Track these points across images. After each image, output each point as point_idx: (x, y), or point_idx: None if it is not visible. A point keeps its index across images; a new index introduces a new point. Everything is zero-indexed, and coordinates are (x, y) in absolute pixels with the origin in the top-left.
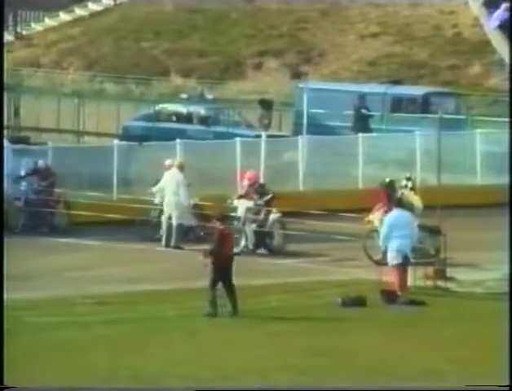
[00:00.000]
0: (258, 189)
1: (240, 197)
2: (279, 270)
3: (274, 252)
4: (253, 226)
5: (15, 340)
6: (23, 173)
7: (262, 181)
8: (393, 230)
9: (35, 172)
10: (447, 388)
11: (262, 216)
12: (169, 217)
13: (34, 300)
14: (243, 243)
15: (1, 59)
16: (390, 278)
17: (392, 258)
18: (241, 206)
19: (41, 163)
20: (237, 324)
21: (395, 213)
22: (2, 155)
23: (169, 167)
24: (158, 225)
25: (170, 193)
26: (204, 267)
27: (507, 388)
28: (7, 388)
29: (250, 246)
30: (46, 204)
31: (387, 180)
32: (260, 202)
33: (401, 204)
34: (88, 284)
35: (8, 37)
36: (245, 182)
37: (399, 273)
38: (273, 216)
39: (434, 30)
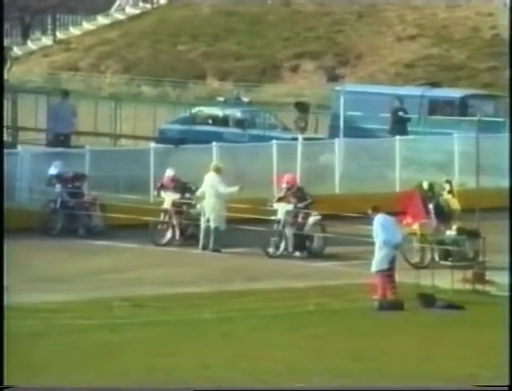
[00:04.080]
0: (296, 193)
1: (279, 200)
2: (316, 273)
3: (314, 255)
4: (293, 228)
5: (49, 343)
6: (56, 175)
7: (299, 184)
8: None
9: (65, 174)
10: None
11: (301, 219)
12: (208, 220)
13: (70, 302)
14: (283, 246)
15: (1, 59)
16: (376, 284)
17: (378, 264)
18: (281, 209)
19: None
20: (275, 327)
21: (382, 217)
22: (2, 155)
23: None
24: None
25: (208, 196)
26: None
27: (507, 388)
28: (7, 388)
29: (290, 249)
30: (81, 206)
31: (422, 183)
32: (300, 205)
33: (437, 206)
34: (124, 287)
35: (47, 41)
36: (283, 186)
37: (386, 279)
38: (313, 218)
39: (472, 32)
